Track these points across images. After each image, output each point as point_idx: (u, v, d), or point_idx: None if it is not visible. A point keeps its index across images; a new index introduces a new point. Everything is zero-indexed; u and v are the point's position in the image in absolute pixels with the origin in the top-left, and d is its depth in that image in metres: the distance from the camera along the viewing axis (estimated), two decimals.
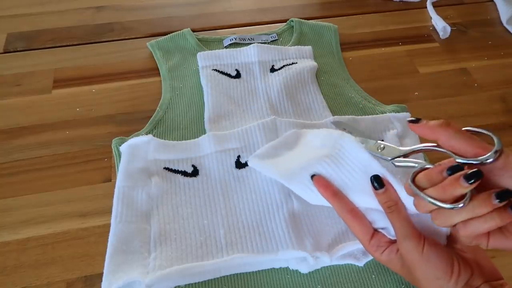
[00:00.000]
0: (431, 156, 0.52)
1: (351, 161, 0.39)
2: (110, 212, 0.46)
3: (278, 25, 0.73)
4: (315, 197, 0.41)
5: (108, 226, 0.45)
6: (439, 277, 0.33)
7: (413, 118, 0.34)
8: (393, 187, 0.36)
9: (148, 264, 0.43)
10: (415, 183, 0.33)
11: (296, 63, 0.64)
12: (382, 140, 0.41)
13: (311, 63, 0.64)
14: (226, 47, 0.69)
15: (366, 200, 0.38)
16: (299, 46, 0.67)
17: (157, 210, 0.47)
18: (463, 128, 0.33)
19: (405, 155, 0.37)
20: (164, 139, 0.53)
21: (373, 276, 0.44)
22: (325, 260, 0.43)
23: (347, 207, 0.38)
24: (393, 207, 0.35)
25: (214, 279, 0.44)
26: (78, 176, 0.52)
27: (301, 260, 0.44)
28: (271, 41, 0.70)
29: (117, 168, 0.51)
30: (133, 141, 0.51)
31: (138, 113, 0.59)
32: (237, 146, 0.52)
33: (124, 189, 0.47)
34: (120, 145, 0.52)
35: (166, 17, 0.76)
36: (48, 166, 0.53)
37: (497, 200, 0.29)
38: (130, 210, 0.46)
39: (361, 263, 0.45)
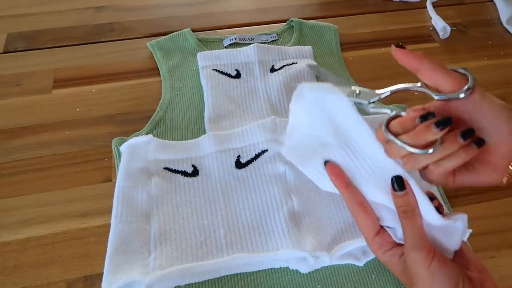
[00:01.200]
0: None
1: (369, 156, 0.37)
2: (110, 212, 0.46)
3: (278, 25, 0.73)
4: (327, 184, 0.39)
5: (108, 226, 0.45)
6: None
7: (398, 43, 0.35)
8: (413, 192, 0.35)
9: (148, 264, 0.43)
10: (388, 129, 0.33)
11: (296, 63, 0.64)
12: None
13: (311, 63, 0.64)
14: (226, 47, 0.69)
15: (379, 196, 0.36)
16: (299, 46, 0.67)
17: (157, 210, 0.47)
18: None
19: (381, 99, 0.36)
20: (164, 139, 0.53)
21: (373, 276, 0.44)
22: (325, 260, 0.43)
23: (357, 200, 0.36)
24: (409, 213, 0.34)
25: (214, 279, 0.44)
26: (78, 176, 0.52)
27: (301, 260, 0.44)
28: (271, 41, 0.70)
29: (117, 168, 0.51)
30: (133, 141, 0.51)
31: (138, 113, 0.59)
32: (237, 146, 0.52)
33: (124, 189, 0.47)
34: (120, 145, 0.52)
35: (166, 17, 0.76)
36: (48, 166, 0.53)
37: (462, 139, 0.30)
38: (130, 210, 0.46)
39: (361, 263, 0.45)
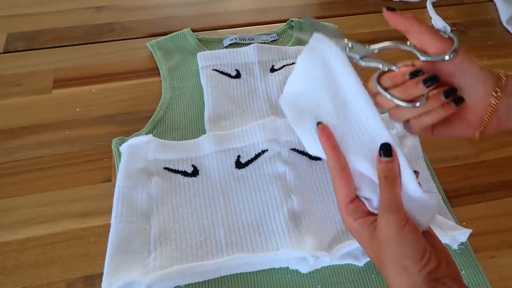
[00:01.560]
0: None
1: (362, 122, 0.37)
2: (110, 212, 0.46)
3: (278, 25, 0.73)
4: (315, 147, 0.38)
5: (108, 226, 0.45)
6: (408, 256, 0.33)
7: (390, 7, 0.37)
8: (398, 162, 0.35)
9: (148, 264, 0.43)
10: (379, 82, 0.36)
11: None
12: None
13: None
14: (226, 47, 0.69)
15: (363, 164, 0.36)
16: (299, 46, 0.67)
17: (157, 210, 0.47)
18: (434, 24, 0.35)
19: (372, 55, 0.38)
20: (164, 139, 0.53)
21: (373, 276, 0.45)
22: (325, 260, 0.43)
23: (339, 165, 0.36)
24: (390, 178, 0.35)
25: (214, 279, 0.44)
26: (78, 176, 0.52)
27: (301, 260, 0.44)
28: (271, 41, 0.70)
29: (117, 168, 0.51)
30: (133, 141, 0.51)
31: (138, 113, 0.59)
32: (237, 146, 0.52)
33: (124, 189, 0.47)
34: (120, 145, 0.52)
35: (166, 17, 0.76)
36: (48, 166, 0.53)
37: (444, 97, 0.34)
38: (130, 210, 0.46)
39: (361, 263, 0.45)
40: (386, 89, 0.36)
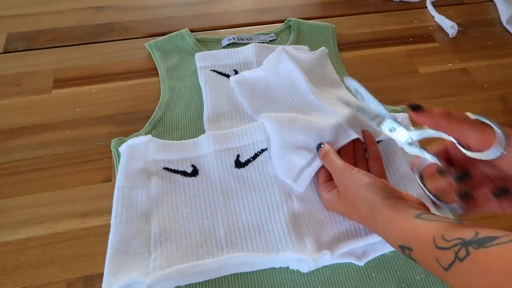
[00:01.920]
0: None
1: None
2: (110, 212, 0.46)
3: (278, 25, 0.73)
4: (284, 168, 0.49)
5: (108, 226, 0.45)
6: (369, 184, 0.40)
7: (414, 104, 0.35)
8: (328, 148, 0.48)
9: (148, 264, 0.43)
10: (421, 175, 0.39)
11: None
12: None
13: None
14: (224, 47, 0.69)
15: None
16: (296, 46, 0.67)
17: (157, 210, 0.47)
18: (468, 113, 0.34)
19: (415, 143, 0.38)
20: (163, 139, 0.53)
21: (373, 274, 0.44)
22: (326, 259, 0.43)
23: (322, 156, 0.48)
24: (324, 155, 0.47)
25: (214, 279, 0.44)
26: (78, 176, 0.52)
27: (302, 260, 0.44)
28: (269, 41, 0.70)
29: (117, 168, 0.51)
30: (132, 141, 0.51)
31: (138, 113, 0.59)
32: (237, 145, 0.52)
33: (124, 189, 0.47)
34: (119, 146, 0.52)
35: (166, 17, 0.76)
36: (48, 166, 0.53)
37: (495, 197, 0.34)
38: (130, 211, 0.46)
39: (361, 263, 0.45)
40: (423, 182, 0.39)
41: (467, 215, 0.37)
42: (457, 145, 0.34)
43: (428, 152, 0.37)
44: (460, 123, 0.33)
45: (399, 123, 0.39)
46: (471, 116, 0.33)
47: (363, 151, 0.51)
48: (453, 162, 0.37)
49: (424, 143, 0.38)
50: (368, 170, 0.48)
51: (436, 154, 0.37)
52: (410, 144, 0.38)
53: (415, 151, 0.38)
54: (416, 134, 0.37)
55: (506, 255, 0.27)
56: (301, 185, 0.48)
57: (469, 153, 0.33)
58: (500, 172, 0.34)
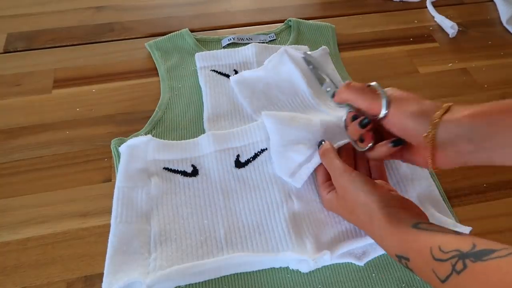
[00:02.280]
0: None
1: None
2: (110, 212, 0.46)
3: (278, 25, 0.73)
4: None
5: (108, 226, 0.45)
6: (368, 191, 0.40)
7: (332, 93, 0.46)
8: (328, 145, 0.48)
9: (148, 264, 0.43)
10: (345, 123, 0.46)
11: None
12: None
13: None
14: (224, 47, 0.69)
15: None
16: (296, 46, 0.67)
17: (157, 210, 0.47)
18: (367, 84, 0.42)
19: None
20: (164, 139, 0.53)
21: (373, 274, 0.45)
22: (326, 259, 0.43)
23: (322, 156, 0.48)
24: (325, 154, 0.47)
25: (214, 279, 0.44)
26: (78, 176, 0.52)
27: (302, 260, 0.44)
28: (269, 41, 0.70)
29: (117, 168, 0.51)
30: (132, 141, 0.51)
31: (138, 113, 0.59)
32: (237, 145, 0.52)
33: (124, 189, 0.47)
34: (119, 146, 0.52)
35: (166, 17, 0.76)
36: (48, 166, 0.53)
37: (391, 144, 0.41)
38: (130, 211, 0.46)
39: (361, 263, 0.45)
40: (346, 128, 0.46)
41: (374, 155, 0.43)
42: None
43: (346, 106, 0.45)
44: (356, 92, 0.42)
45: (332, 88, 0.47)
46: (370, 84, 0.42)
47: (351, 148, 0.50)
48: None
49: None
50: (369, 170, 0.48)
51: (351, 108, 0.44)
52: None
53: (340, 106, 0.45)
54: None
55: (504, 269, 0.27)
56: (298, 181, 0.48)
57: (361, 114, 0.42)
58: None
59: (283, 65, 0.59)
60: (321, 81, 0.48)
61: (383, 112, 0.39)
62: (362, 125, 0.42)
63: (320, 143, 0.48)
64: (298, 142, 0.49)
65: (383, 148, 0.41)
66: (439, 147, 0.36)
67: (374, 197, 0.39)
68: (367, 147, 0.43)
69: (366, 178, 0.42)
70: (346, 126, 0.46)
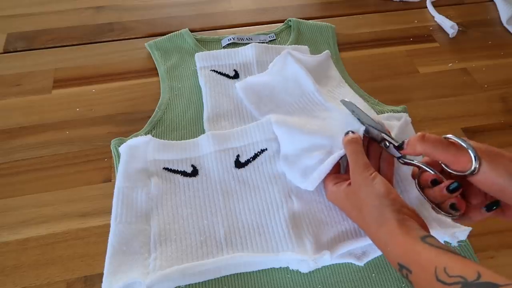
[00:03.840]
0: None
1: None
2: (110, 212, 0.46)
3: (278, 25, 0.73)
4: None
5: (108, 226, 0.45)
6: (383, 194, 0.39)
7: (398, 143, 0.42)
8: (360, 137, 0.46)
9: (148, 264, 0.43)
10: (419, 182, 0.41)
11: None
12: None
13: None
14: (224, 47, 0.69)
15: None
16: (296, 46, 0.67)
17: (157, 210, 0.47)
18: (443, 136, 0.38)
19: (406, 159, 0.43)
20: (163, 140, 0.53)
21: (373, 275, 0.45)
22: (325, 259, 0.43)
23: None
24: (352, 146, 0.45)
25: (214, 279, 0.44)
26: (78, 176, 0.52)
27: (302, 260, 0.44)
28: (269, 41, 0.70)
29: (116, 169, 0.51)
30: (132, 141, 0.51)
31: (138, 113, 0.59)
32: (236, 145, 0.52)
33: (124, 189, 0.47)
34: (119, 146, 0.52)
35: (166, 17, 0.76)
36: (48, 166, 0.53)
37: (485, 209, 0.37)
38: (129, 211, 0.46)
39: (361, 263, 0.45)
40: (423, 190, 0.41)
41: (464, 222, 0.41)
42: (443, 165, 0.38)
43: (421, 162, 0.41)
44: (434, 146, 0.37)
45: (393, 139, 0.44)
46: (447, 136, 0.37)
47: (379, 150, 0.48)
48: (446, 175, 0.40)
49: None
50: (379, 169, 0.47)
51: (429, 165, 0.40)
52: (403, 159, 0.43)
53: (411, 162, 0.42)
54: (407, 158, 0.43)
55: None
56: (311, 184, 0.47)
57: (453, 171, 0.37)
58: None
59: (287, 66, 0.59)
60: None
61: (473, 166, 0.35)
62: (451, 191, 0.37)
63: (347, 133, 0.47)
64: (312, 149, 0.48)
65: (477, 214, 0.38)
66: None
67: (388, 201, 0.38)
68: (456, 215, 0.39)
69: (385, 181, 0.40)
70: (420, 187, 0.41)
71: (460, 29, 0.74)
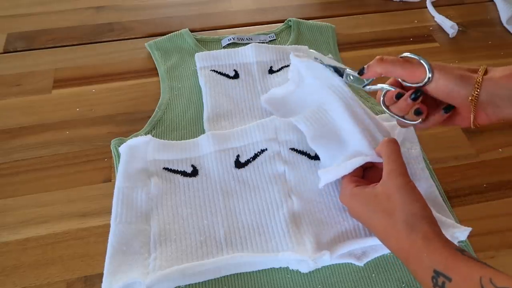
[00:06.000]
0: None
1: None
2: (110, 212, 0.46)
3: (278, 25, 0.73)
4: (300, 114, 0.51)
5: (108, 226, 0.45)
6: (422, 205, 0.39)
7: (359, 71, 0.45)
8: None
9: (148, 264, 0.43)
10: (384, 101, 0.44)
11: None
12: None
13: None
14: (224, 47, 0.69)
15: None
16: (296, 46, 0.67)
17: (157, 210, 0.47)
18: (399, 56, 0.43)
19: (369, 83, 0.47)
20: (164, 140, 0.53)
21: (373, 275, 0.45)
22: (325, 259, 0.43)
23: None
24: (392, 147, 0.44)
25: (214, 279, 0.44)
26: (78, 176, 0.52)
27: (302, 260, 0.44)
28: (269, 41, 0.70)
29: (117, 168, 0.51)
30: (132, 141, 0.51)
31: (138, 113, 0.59)
32: (236, 145, 0.52)
33: (124, 189, 0.47)
34: (119, 146, 0.52)
35: (166, 17, 0.76)
36: (48, 166, 0.53)
37: (443, 111, 0.42)
38: (129, 211, 0.46)
39: (361, 263, 0.45)
40: (388, 107, 0.44)
41: (426, 125, 0.44)
42: (399, 79, 0.43)
43: (384, 84, 0.45)
44: (393, 64, 0.42)
45: (355, 72, 0.47)
46: (403, 55, 0.42)
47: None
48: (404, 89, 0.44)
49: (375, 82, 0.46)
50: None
51: (391, 85, 0.44)
52: (368, 85, 0.47)
53: (375, 88, 0.46)
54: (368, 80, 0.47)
55: None
56: (322, 181, 0.47)
57: (410, 84, 0.42)
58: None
59: (308, 70, 0.54)
60: (339, 72, 0.50)
61: (427, 76, 0.40)
62: (415, 98, 0.41)
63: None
64: (349, 157, 0.47)
65: (436, 116, 0.42)
66: (480, 106, 0.39)
67: (426, 213, 0.38)
68: (420, 120, 0.43)
69: (418, 190, 0.40)
70: (386, 106, 0.44)
71: (460, 29, 0.74)
